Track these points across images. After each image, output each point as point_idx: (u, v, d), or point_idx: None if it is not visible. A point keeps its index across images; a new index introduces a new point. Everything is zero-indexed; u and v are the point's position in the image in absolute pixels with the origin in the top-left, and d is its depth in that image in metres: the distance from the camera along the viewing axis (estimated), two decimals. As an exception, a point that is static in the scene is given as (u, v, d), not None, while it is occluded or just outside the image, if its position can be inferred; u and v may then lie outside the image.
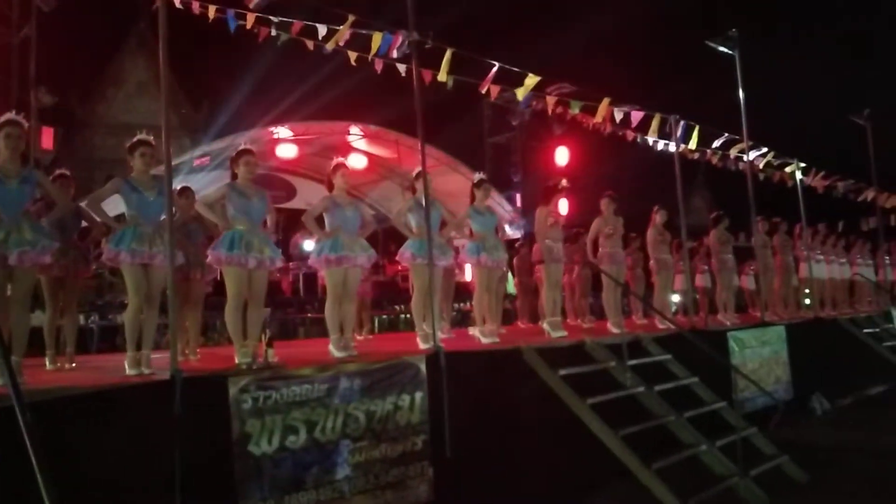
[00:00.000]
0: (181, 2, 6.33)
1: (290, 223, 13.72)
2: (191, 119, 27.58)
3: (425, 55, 6.54)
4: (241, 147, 5.38)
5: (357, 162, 14.73)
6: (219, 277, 5.62)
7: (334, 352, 5.47)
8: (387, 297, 14.07)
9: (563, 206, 15.98)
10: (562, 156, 18.86)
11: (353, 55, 7.06)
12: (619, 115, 8.78)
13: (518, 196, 18.63)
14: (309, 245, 13.23)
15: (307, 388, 4.51)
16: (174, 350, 4.27)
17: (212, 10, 6.48)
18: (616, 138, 9.99)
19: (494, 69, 7.68)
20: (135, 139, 5.00)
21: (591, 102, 8.64)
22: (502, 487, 5.32)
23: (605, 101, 8.59)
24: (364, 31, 6.70)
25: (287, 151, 14.77)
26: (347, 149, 14.64)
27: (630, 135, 9.76)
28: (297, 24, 6.76)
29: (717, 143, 10.30)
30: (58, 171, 5.94)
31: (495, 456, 5.41)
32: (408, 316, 10.31)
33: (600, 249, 8.27)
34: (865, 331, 11.41)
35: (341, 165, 6.00)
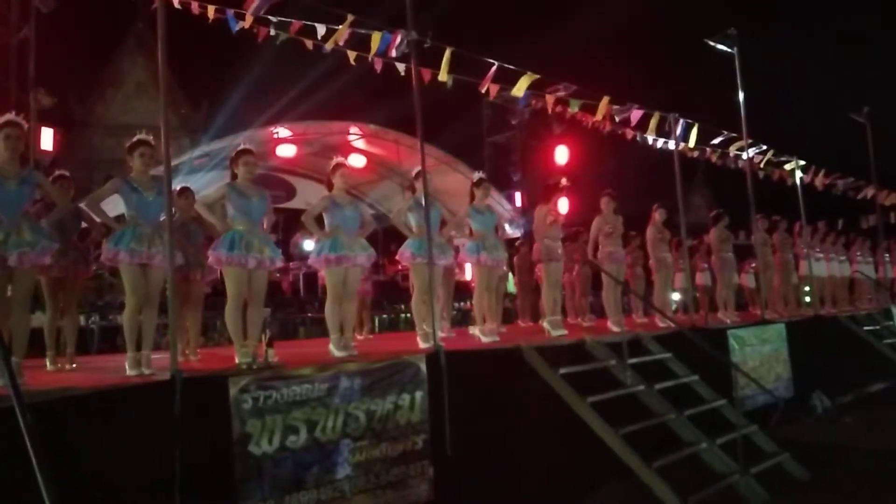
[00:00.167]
0: (180, 2, 6.33)
1: (290, 223, 13.72)
2: (190, 119, 27.59)
3: (424, 54, 6.54)
4: (241, 147, 5.38)
5: (357, 161, 14.75)
6: (219, 278, 5.61)
7: (334, 351, 5.47)
8: (387, 297, 14.07)
9: (563, 205, 16.00)
10: (561, 155, 18.86)
11: (352, 55, 7.06)
12: (618, 114, 8.79)
13: (518, 195, 18.63)
14: (309, 245, 13.24)
15: (307, 388, 4.51)
16: (174, 350, 4.27)
17: (211, 11, 6.48)
18: (615, 137, 10.00)
19: (493, 68, 7.69)
20: (134, 139, 5.00)
21: (590, 101, 8.64)
22: (503, 486, 5.32)
23: (605, 99, 8.60)
24: (363, 31, 6.70)
25: (287, 151, 14.78)
26: (347, 148, 14.65)
27: (629, 133, 9.77)
28: (296, 24, 6.76)
29: (716, 142, 10.31)
30: (57, 172, 5.95)
31: (496, 455, 5.41)
32: (408, 315, 10.31)
33: (600, 248, 8.27)
34: (866, 328, 11.41)
35: (341, 165, 6.00)
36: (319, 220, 5.87)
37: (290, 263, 14.65)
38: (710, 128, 9.98)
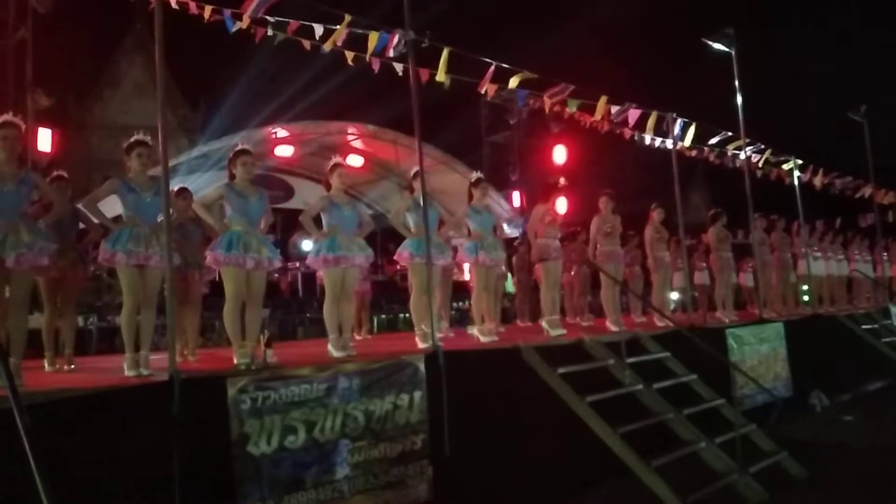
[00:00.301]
0: (177, 2, 6.32)
1: (289, 223, 13.72)
2: (188, 119, 27.55)
3: (422, 54, 6.54)
4: (239, 147, 5.37)
5: (355, 161, 14.75)
6: (217, 278, 5.61)
7: (333, 352, 5.47)
8: (386, 297, 14.07)
9: (562, 204, 16.01)
10: (559, 154, 18.86)
11: (349, 55, 7.05)
12: (616, 114, 8.79)
13: (517, 195, 18.63)
14: (307, 245, 13.23)
15: (306, 388, 4.51)
16: (172, 351, 4.27)
17: (208, 11, 6.47)
18: (614, 136, 10.01)
19: (492, 68, 7.69)
20: (131, 140, 4.98)
21: (588, 101, 8.65)
22: (502, 486, 5.33)
23: (603, 99, 8.60)
24: (361, 31, 6.70)
25: (285, 151, 14.77)
26: (345, 148, 14.65)
27: (627, 133, 9.77)
28: (294, 24, 6.75)
29: (714, 141, 10.32)
30: (55, 173, 5.94)
31: (495, 454, 5.41)
32: (407, 316, 10.31)
33: (598, 248, 8.27)
34: (864, 327, 11.43)
35: (339, 165, 6.00)
36: (317, 221, 5.86)
37: (289, 264, 14.65)
38: (709, 127, 10.00)
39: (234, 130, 15.05)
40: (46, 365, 5.73)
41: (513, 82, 7.75)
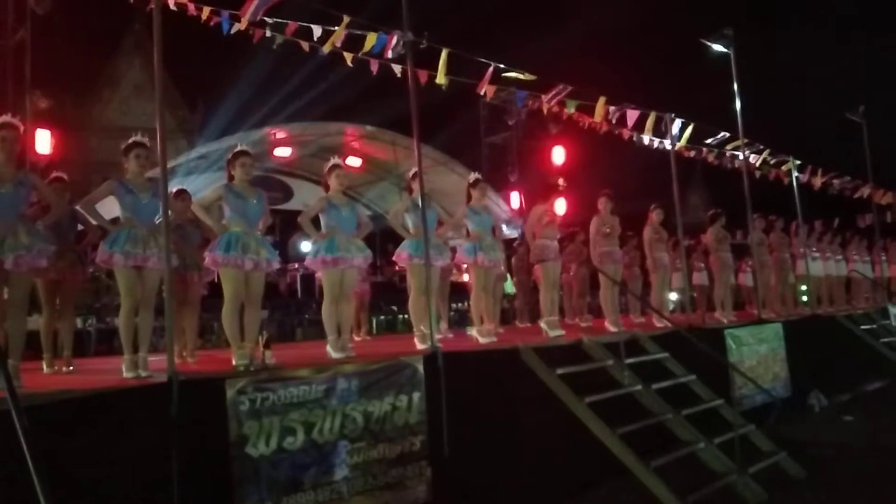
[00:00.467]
0: (176, 3, 6.32)
1: (287, 224, 13.72)
2: (187, 121, 27.52)
3: (421, 55, 6.54)
4: (238, 149, 5.37)
5: (353, 162, 14.75)
6: (216, 279, 5.61)
7: (332, 353, 5.46)
8: (384, 298, 14.07)
9: (560, 205, 16.02)
10: (558, 155, 18.87)
11: (348, 56, 7.06)
12: (615, 115, 8.81)
13: (515, 195, 18.63)
14: (306, 246, 13.24)
15: (305, 390, 4.51)
16: (171, 352, 4.27)
17: (206, 12, 6.48)
18: (612, 137, 10.01)
19: (490, 69, 7.70)
20: (129, 141, 4.97)
21: (587, 102, 8.66)
22: (501, 486, 5.33)
23: (602, 99, 8.62)
24: (359, 32, 6.70)
25: (283, 152, 14.78)
26: (344, 149, 14.66)
27: (626, 133, 9.78)
28: (293, 26, 6.75)
29: (711, 141, 10.33)
30: (54, 174, 5.94)
31: (493, 455, 5.42)
32: (406, 317, 10.31)
33: (597, 248, 8.28)
34: (863, 327, 11.44)
35: (337, 166, 5.99)
36: (316, 222, 5.86)
37: (288, 265, 14.65)
38: (707, 127, 10.01)
39: (232, 132, 15.07)
40: (45, 367, 5.73)
41: (508, 75, 7.76)
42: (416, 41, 6.29)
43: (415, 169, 6.45)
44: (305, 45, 6.91)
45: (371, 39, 6.64)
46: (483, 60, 7.61)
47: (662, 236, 9.29)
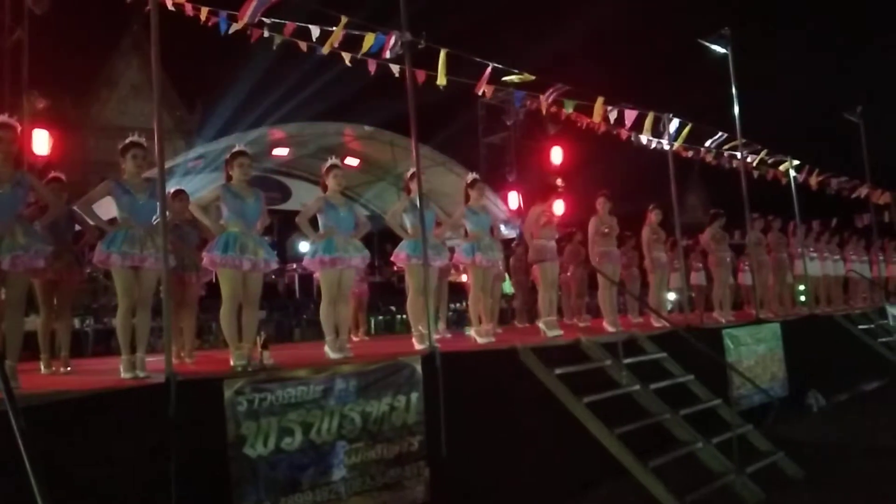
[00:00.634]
0: (173, 4, 6.31)
1: (286, 225, 13.70)
2: (185, 121, 27.50)
3: (418, 55, 6.54)
4: (236, 149, 5.37)
5: (351, 163, 14.75)
6: (214, 280, 5.61)
7: (330, 353, 5.46)
8: (383, 298, 14.07)
9: (559, 206, 16.02)
10: (556, 155, 18.87)
11: (346, 56, 7.05)
12: (613, 115, 8.81)
13: (513, 196, 18.62)
14: (304, 246, 13.24)
15: (303, 390, 4.50)
16: (169, 353, 4.27)
17: (204, 13, 6.47)
18: (610, 137, 10.02)
19: (489, 69, 7.69)
20: (126, 141, 4.96)
21: (584, 102, 8.66)
22: (499, 487, 5.33)
23: (600, 100, 8.62)
24: (357, 33, 6.70)
25: (282, 153, 14.76)
26: (342, 149, 14.64)
27: (624, 133, 9.78)
28: (291, 26, 6.75)
29: (710, 143, 10.34)
30: (51, 175, 5.93)
31: (492, 455, 5.41)
32: (404, 317, 10.31)
33: (596, 248, 8.28)
34: (860, 327, 11.46)
35: (335, 166, 5.99)
36: (314, 222, 5.86)
37: (286, 265, 14.64)
38: (705, 127, 10.02)
39: (231, 132, 15.04)
40: (42, 367, 5.72)
41: (508, 80, 7.76)
42: (414, 41, 6.29)
43: (413, 169, 6.45)
44: (304, 46, 6.90)
45: (369, 39, 6.64)
46: (481, 60, 7.61)
47: (661, 236, 9.30)
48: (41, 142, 10.86)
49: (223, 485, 4.06)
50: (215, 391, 4.15)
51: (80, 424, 3.71)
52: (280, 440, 4.33)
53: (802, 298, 12.51)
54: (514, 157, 19.49)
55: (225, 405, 4.15)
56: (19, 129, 4.61)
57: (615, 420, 5.62)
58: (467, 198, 7.06)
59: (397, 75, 6.94)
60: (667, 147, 9.12)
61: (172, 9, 6.28)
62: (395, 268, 12.18)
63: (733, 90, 9.84)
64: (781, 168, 11.96)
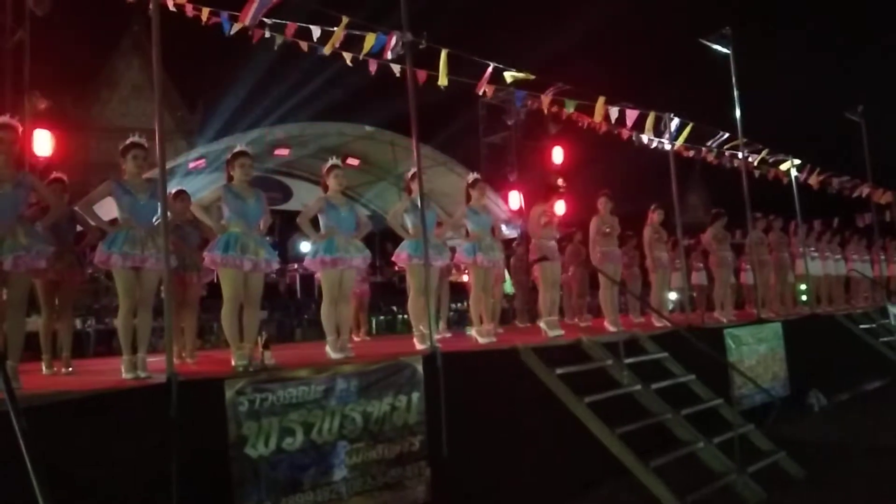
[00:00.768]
0: (174, 4, 6.32)
1: (287, 225, 13.71)
2: (186, 121, 27.51)
3: (419, 55, 6.54)
4: (237, 149, 5.37)
5: (352, 163, 14.75)
6: (215, 280, 5.61)
7: (331, 353, 5.47)
8: (384, 299, 14.07)
9: (560, 207, 16.01)
10: (557, 155, 18.86)
11: (348, 56, 7.06)
12: (613, 114, 8.81)
13: (514, 195, 18.60)
14: (305, 247, 13.25)
15: (304, 390, 4.51)
16: (170, 353, 4.27)
17: (205, 13, 6.47)
18: (611, 137, 10.02)
19: (489, 69, 7.69)
20: (127, 142, 4.96)
21: (586, 102, 8.66)
22: (500, 487, 5.33)
23: (601, 99, 8.62)
24: (358, 33, 6.70)
25: (283, 153, 14.76)
26: (343, 150, 14.64)
27: (625, 133, 9.78)
28: (292, 26, 6.75)
29: (711, 143, 10.34)
30: (53, 175, 5.94)
31: (493, 455, 5.41)
32: (405, 317, 10.32)
33: (597, 248, 8.28)
34: (862, 326, 11.45)
35: (336, 166, 5.99)
36: (315, 222, 5.86)
37: (287, 265, 14.64)
38: (706, 127, 10.01)
39: (232, 132, 15.06)
40: (44, 368, 5.73)
41: (508, 77, 7.76)
42: (415, 41, 6.29)
43: (414, 169, 6.45)
44: (305, 46, 6.91)
45: (370, 40, 6.64)
46: (482, 60, 7.61)
47: (662, 236, 9.29)
48: (42, 142, 10.86)
49: (224, 485, 4.06)
50: (216, 391, 4.16)
51: (82, 425, 3.71)
52: (281, 440, 4.33)
53: (804, 298, 12.50)
54: (514, 157, 19.45)
55: (226, 405, 4.15)
56: (21, 129, 4.62)
57: (616, 420, 5.62)
58: (468, 198, 7.06)
59: (398, 75, 6.94)
60: (668, 147, 9.11)
61: (173, 9, 6.28)
62: (397, 268, 12.18)
63: (734, 90, 9.84)
64: (782, 167, 11.95)
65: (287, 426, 4.38)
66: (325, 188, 5.98)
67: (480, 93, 8.13)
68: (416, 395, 5.08)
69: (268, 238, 5.48)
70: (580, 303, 10.55)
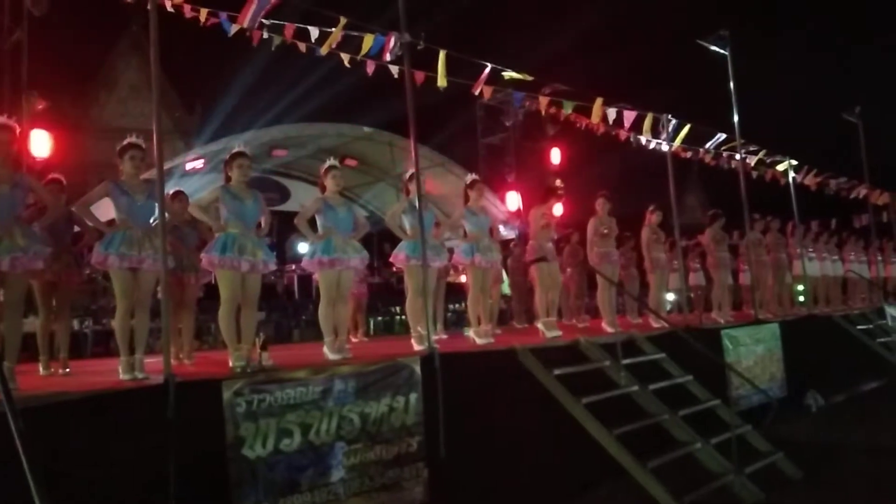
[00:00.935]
0: (172, 5, 6.32)
1: (285, 226, 13.68)
2: (184, 122, 27.49)
3: (417, 56, 6.54)
4: (235, 150, 5.37)
5: (350, 163, 14.75)
6: (213, 281, 5.60)
7: (329, 354, 5.47)
8: (382, 300, 14.07)
9: (558, 209, 16.02)
10: (555, 156, 18.88)
11: (345, 57, 7.06)
12: (611, 115, 8.81)
13: (512, 196, 18.61)
14: (303, 247, 13.23)
15: (301, 391, 4.51)
16: (167, 354, 4.27)
17: (203, 14, 6.47)
18: (609, 138, 10.02)
19: (487, 70, 7.69)
20: (124, 142, 4.96)
21: (583, 103, 8.67)
22: (498, 488, 5.32)
23: (599, 100, 8.62)
24: (356, 34, 6.70)
25: (281, 153, 14.76)
26: (341, 150, 14.64)
27: (623, 134, 9.79)
28: (290, 27, 6.75)
29: (709, 145, 10.35)
30: (50, 176, 5.93)
31: (490, 456, 5.41)
32: (403, 318, 10.32)
33: (595, 249, 8.29)
34: (859, 327, 11.46)
35: (333, 167, 6.00)
36: (313, 223, 5.86)
37: (285, 266, 14.62)
38: (704, 128, 10.02)
39: (230, 133, 15.04)
40: (41, 369, 5.72)
41: (506, 76, 7.77)
42: (413, 42, 6.29)
43: (412, 170, 6.45)
44: (303, 47, 6.90)
45: (368, 41, 6.64)
46: (479, 61, 7.61)
47: (660, 237, 9.30)
48: (40, 143, 10.85)
49: (222, 486, 4.06)
50: (214, 392, 4.15)
51: (79, 426, 3.71)
52: (279, 441, 4.33)
53: (801, 299, 12.52)
54: (513, 158, 19.48)
55: (224, 406, 4.15)
56: (18, 130, 4.62)
57: (614, 421, 5.62)
58: (466, 199, 7.06)
59: (396, 76, 6.95)
60: (665, 148, 9.12)
61: (171, 10, 6.28)
62: (394, 269, 12.17)
63: (732, 91, 9.85)
64: (780, 168, 11.97)
65: (285, 427, 4.38)
66: (323, 189, 5.98)
67: (477, 94, 8.12)
68: (413, 396, 5.08)
69: (265, 239, 5.49)
70: (578, 304, 10.55)
